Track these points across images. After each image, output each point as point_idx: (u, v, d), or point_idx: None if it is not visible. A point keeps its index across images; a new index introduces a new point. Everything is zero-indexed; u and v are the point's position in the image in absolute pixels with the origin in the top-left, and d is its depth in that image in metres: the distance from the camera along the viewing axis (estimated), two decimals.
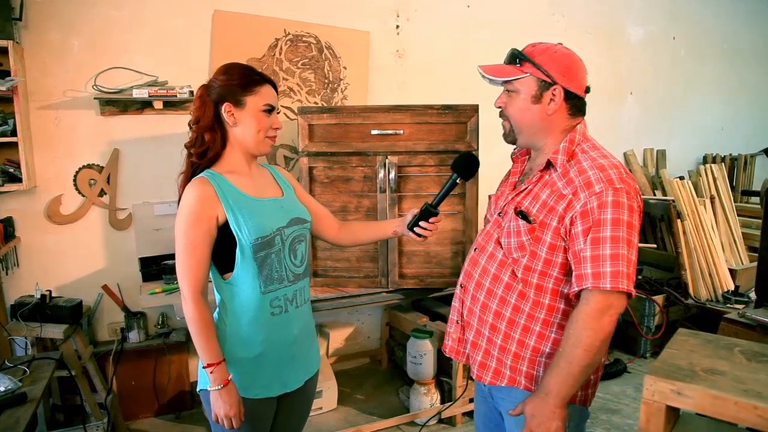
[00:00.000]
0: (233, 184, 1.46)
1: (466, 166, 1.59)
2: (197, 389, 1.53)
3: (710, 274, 3.71)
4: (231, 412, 1.41)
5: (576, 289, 1.30)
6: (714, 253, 3.74)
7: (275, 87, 1.53)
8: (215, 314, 1.50)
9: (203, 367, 1.42)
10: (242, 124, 1.47)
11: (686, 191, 3.85)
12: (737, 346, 1.25)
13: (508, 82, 1.41)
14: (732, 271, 3.79)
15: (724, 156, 5.31)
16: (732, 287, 3.65)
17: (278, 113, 1.54)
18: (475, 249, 1.55)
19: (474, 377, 1.52)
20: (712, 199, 4.09)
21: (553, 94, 1.38)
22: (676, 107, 5.07)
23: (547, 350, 1.40)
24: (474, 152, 2.56)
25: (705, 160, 5.22)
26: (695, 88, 5.17)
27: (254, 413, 1.48)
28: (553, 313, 1.40)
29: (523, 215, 1.39)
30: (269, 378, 1.50)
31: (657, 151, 4.95)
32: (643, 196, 4.46)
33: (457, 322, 1.60)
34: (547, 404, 1.30)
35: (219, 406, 1.41)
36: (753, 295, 3.57)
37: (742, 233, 4.19)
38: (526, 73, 1.38)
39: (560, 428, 1.30)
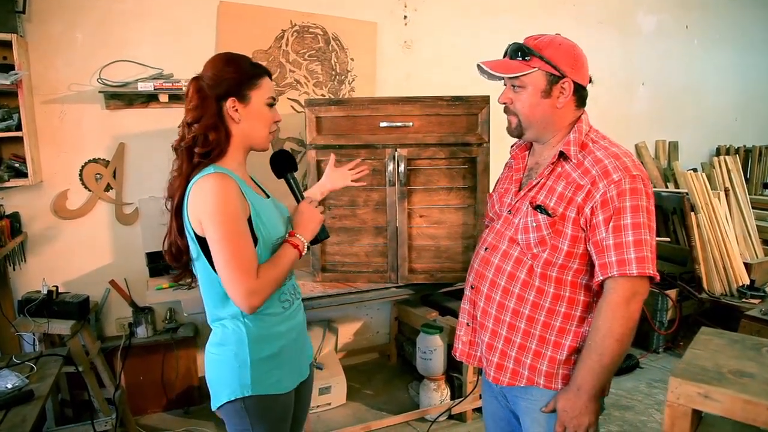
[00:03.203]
0: (245, 182, 1.41)
1: (286, 162, 1.53)
2: (213, 408, 1.45)
3: (725, 268, 3.64)
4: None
5: (600, 278, 1.30)
6: (728, 246, 3.67)
7: (272, 79, 1.49)
8: (229, 321, 1.41)
9: (306, 246, 1.44)
10: (247, 120, 1.40)
11: (700, 183, 3.77)
12: (765, 346, 1.20)
13: (515, 78, 1.38)
14: (747, 265, 3.71)
15: (738, 147, 5.22)
16: (747, 281, 3.59)
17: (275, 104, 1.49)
18: (485, 248, 1.51)
19: (490, 380, 1.49)
20: (726, 191, 4.02)
21: (563, 88, 1.37)
22: (689, 98, 4.98)
23: (568, 343, 1.38)
24: (486, 144, 2.52)
25: (718, 152, 5.13)
26: (708, 78, 5.08)
27: (284, 407, 1.46)
28: (573, 306, 1.38)
29: (541, 209, 1.36)
30: (291, 370, 1.48)
31: (669, 142, 4.87)
32: (655, 189, 4.40)
33: (468, 325, 1.56)
34: (579, 399, 1.31)
35: (313, 216, 1.48)
36: None
37: (757, 226, 4.12)
38: (534, 67, 1.35)
39: (593, 423, 1.32)
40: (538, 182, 1.42)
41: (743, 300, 3.45)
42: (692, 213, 3.64)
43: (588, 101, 1.45)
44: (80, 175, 2.78)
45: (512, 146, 1.59)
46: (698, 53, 4.94)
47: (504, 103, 1.44)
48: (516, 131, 1.45)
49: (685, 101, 4.96)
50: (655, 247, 1.29)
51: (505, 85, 1.44)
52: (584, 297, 1.38)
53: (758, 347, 1.19)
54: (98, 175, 2.81)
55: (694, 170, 4.12)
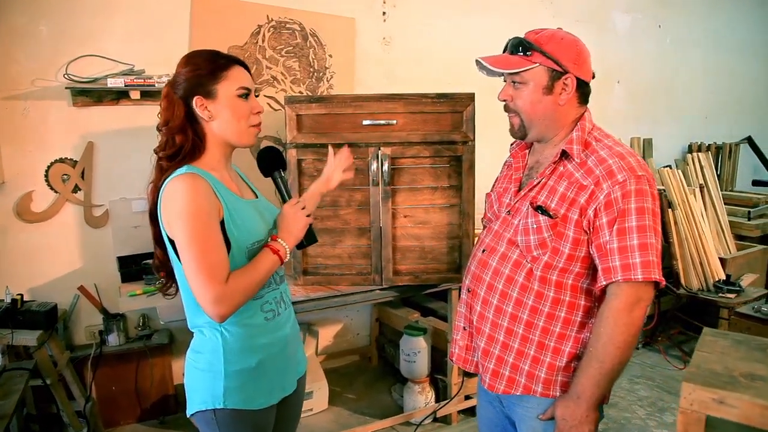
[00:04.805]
0: (221, 182, 1.33)
1: (276, 160, 1.47)
2: (188, 414, 1.39)
3: (701, 264, 3.69)
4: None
5: (603, 283, 1.25)
6: (705, 242, 3.72)
7: (247, 68, 1.38)
8: (207, 328, 1.35)
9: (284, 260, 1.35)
10: (219, 116, 1.32)
11: (676, 180, 3.82)
12: None
13: (516, 74, 1.32)
14: (722, 260, 3.77)
15: (709, 144, 5.33)
16: (723, 276, 3.64)
17: (257, 96, 1.40)
18: (483, 250, 1.45)
19: (486, 387, 1.43)
20: (701, 187, 4.08)
21: (565, 84, 1.31)
22: (662, 96, 5.06)
23: (568, 350, 1.33)
24: (471, 142, 2.47)
25: (690, 149, 5.22)
26: (680, 76, 5.17)
27: (259, 424, 1.39)
28: (574, 311, 1.33)
29: (542, 210, 1.31)
30: (270, 385, 1.40)
31: (644, 140, 4.92)
32: None
33: (465, 329, 1.51)
34: (579, 407, 1.26)
35: (296, 219, 1.39)
36: (743, 284, 3.58)
37: (729, 222, 4.20)
38: (536, 63, 1.30)
39: None
40: (539, 182, 1.36)
41: (720, 295, 3.49)
42: (669, 209, 3.67)
43: None
44: (46, 175, 2.63)
45: (512, 144, 1.54)
46: (671, 52, 5.02)
47: (504, 101, 1.38)
48: (519, 133, 1.39)
49: (659, 99, 5.03)
50: (661, 251, 1.24)
51: (504, 81, 1.38)
52: (585, 301, 1.33)
53: (763, 348, 1.17)
54: (65, 176, 2.67)
55: (669, 167, 4.16)
